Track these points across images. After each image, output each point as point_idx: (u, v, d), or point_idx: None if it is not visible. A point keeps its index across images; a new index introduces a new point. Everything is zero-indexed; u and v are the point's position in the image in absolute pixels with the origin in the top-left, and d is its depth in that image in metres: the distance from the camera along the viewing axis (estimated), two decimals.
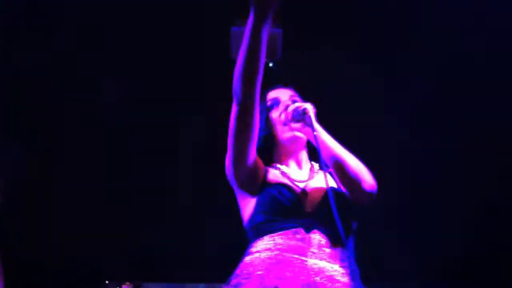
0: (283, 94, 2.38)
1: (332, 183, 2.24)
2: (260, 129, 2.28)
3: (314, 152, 2.25)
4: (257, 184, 2.19)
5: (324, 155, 2.14)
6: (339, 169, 2.14)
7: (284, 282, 1.95)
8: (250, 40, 1.99)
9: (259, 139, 2.27)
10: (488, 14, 3.77)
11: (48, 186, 4.41)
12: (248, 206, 2.19)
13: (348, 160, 2.15)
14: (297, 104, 2.23)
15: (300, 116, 2.18)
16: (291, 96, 2.38)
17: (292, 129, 2.26)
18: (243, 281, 2.01)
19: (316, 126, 2.17)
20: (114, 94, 4.06)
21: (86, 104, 4.20)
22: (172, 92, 4.21)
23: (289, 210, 2.10)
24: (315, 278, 1.97)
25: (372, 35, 3.93)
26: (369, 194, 2.13)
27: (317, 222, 2.08)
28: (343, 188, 2.17)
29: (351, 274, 2.04)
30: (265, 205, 2.14)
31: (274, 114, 2.34)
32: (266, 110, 2.35)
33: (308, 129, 2.18)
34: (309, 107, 2.18)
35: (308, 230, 2.06)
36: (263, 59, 2.03)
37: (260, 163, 2.24)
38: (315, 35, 3.87)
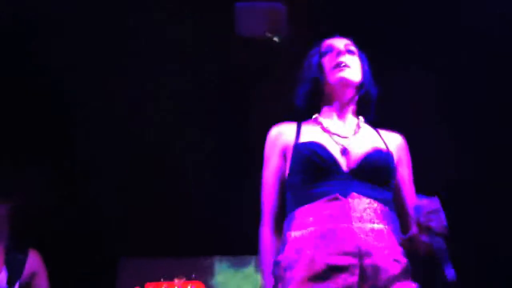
0: (338, 42, 2.27)
1: (378, 142, 2.15)
2: (310, 74, 2.23)
3: (363, 105, 2.23)
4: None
5: None
6: None
7: (334, 256, 1.91)
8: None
9: (308, 83, 2.24)
10: None
11: None
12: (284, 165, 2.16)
13: None
14: (434, 213, 1.91)
15: (434, 235, 1.88)
16: (347, 44, 2.27)
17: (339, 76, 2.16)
18: (293, 263, 1.97)
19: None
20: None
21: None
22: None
23: (325, 171, 2.03)
24: (363, 244, 1.92)
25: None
26: None
27: (356, 182, 2.02)
28: None
29: (398, 232, 2.01)
30: (300, 165, 2.07)
31: (326, 60, 2.23)
32: (319, 55, 2.25)
33: (425, 244, 1.91)
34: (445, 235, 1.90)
35: (345, 194, 1.99)
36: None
37: (279, 171, 2.17)
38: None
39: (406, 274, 1.97)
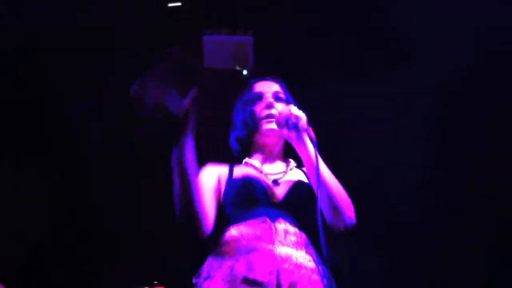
0: (268, 88, 2.40)
1: (302, 178, 2.29)
2: (242, 120, 2.37)
3: (292, 148, 2.27)
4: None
5: (311, 177, 2.15)
6: (324, 195, 2.11)
7: (253, 271, 2.00)
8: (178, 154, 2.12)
9: (240, 129, 2.38)
10: None
11: None
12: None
13: (334, 189, 2.12)
14: (293, 111, 2.14)
15: (294, 127, 2.11)
16: (276, 92, 2.39)
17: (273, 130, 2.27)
18: (212, 272, 2.07)
19: (310, 145, 2.10)
20: None
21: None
22: None
23: (255, 199, 2.17)
24: (282, 265, 2.02)
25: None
26: (345, 226, 2.13)
27: (283, 211, 2.15)
28: (324, 212, 2.13)
29: (317, 260, 2.12)
30: (232, 198, 2.19)
31: (257, 109, 2.35)
32: (250, 102, 2.38)
33: (297, 138, 2.13)
34: (304, 120, 2.11)
35: (273, 219, 2.12)
36: (192, 172, 2.05)
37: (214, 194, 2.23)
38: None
39: None
